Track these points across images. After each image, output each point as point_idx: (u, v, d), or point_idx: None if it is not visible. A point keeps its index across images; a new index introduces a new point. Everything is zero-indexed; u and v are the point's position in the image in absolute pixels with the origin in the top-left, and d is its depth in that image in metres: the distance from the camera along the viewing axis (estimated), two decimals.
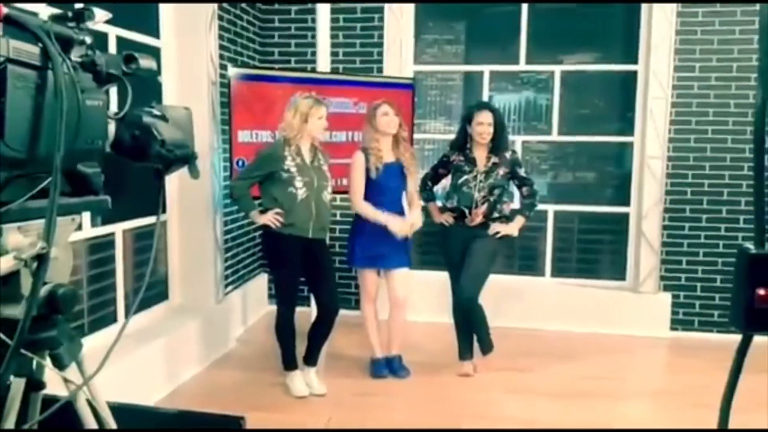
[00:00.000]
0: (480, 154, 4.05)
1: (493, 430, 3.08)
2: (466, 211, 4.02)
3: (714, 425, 1.55)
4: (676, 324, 5.09)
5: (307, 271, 3.84)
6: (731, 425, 1.54)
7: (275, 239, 3.75)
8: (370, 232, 3.98)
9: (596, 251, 5.52)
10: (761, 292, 1.12)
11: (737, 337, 1.41)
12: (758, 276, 1.12)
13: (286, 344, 3.86)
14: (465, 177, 4.03)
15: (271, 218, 3.68)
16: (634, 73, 5.11)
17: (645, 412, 3.76)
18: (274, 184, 3.69)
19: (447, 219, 4.13)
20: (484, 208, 4.01)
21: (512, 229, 4.11)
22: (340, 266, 4.95)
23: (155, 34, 4.10)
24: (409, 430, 3.10)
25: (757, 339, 1.40)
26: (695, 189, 4.99)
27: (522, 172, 4.16)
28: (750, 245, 1.12)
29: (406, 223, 3.95)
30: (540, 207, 5.29)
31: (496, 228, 4.05)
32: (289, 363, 3.87)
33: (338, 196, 4.82)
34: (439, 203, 4.27)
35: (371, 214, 3.94)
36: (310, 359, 3.91)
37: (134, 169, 1.39)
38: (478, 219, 4.01)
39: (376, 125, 3.96)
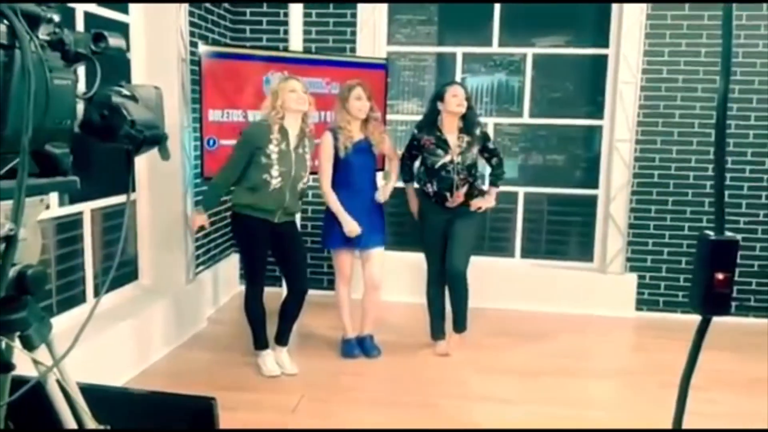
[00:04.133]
0: (451, 135, 4.05)
1: (488, 431, 3.11)
2: (447, 194, 4.04)
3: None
4: (642, 304, 5.21)
5: (277, 251, 3.84)
6: (690, 401, 1.59)
7: (242, 220, 3.73)
8: (348, 213, 3.99)
9: (565, 233, 5.59)
10: (720, 276, 1.16)
11: (700, 318, 1.45)
12: (717, 261, 1.16)
13: (255, 324, 3.87)
14: (442, 161, 4.03)
15: (199, 224, 3.98)
16: (605, 57, 5.16)
17: (611, 391, 3.86)
18: (251, 165, 3.61)
19: (416, 211, 4.25)
20: (464, 189, 4.03)
21: (490, 201, 4.22)
22: (311, 246, 4.96)
23: (124, 9, 4.02)
24: (406, 430, 3.12)
25: (718, 318, 1.45)
26: (662, 172, 5.08)
27: (490, 144, 4.22)
28: (710, 232, 1.17)
29: (356, 226, 3.94)
30: (510, 189, 5.37)
31: (477, 204, 4.11)
32: (260, 343, 3.88)
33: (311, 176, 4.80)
34: (416, 185, 4.27)
35: (334, 207, 3.96)
36: (281, 339, 3.92)
37: (101, 148, 1.38)
38: (459, 200, 4.03)
39: (348, 108, 3.94)
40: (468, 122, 4.06)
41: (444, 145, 4.04)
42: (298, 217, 3.99)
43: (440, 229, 4.11)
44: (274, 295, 4.61)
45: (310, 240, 4.94)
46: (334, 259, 4.19)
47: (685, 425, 1.53)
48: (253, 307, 3.83)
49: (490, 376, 3.93)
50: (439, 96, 4.08)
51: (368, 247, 4.08)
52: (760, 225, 4.98)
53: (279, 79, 3.73)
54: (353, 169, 3.97)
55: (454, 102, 3.99)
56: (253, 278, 3.85)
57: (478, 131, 4.12)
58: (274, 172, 3.61)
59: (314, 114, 3.90)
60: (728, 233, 1.17)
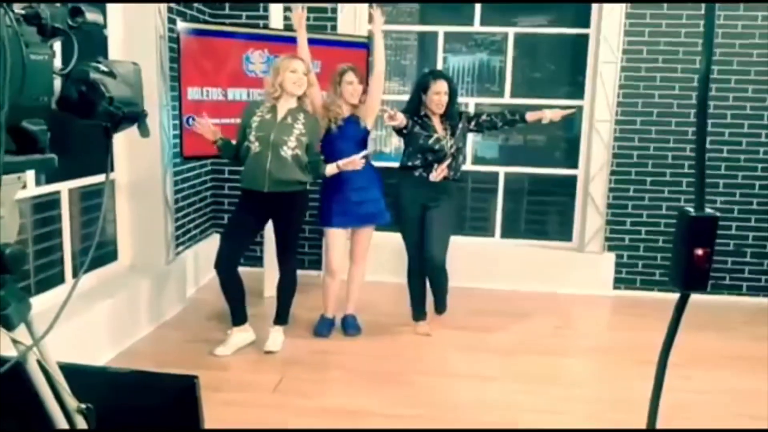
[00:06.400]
0: (436, 121, 4.06)
1: (491, 430, 3.15)
2: (435, 165, 4.01)
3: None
4: (620, 283, 5.28)
5: (274, 225, 3.87)
6: (667, 378, 1.62)
7: (241, 192, 3.84)
8: (348, 189, 3.97)
9: (545, 212, 5.64)
10: (699, 252, 1.18)
11: (677, 296, 1.48)
12: (697, 237, 1.18)
13: (227, 299, 3.85)
14: (436, 135, 4.00)
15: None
16: (586, 37, 5.17)
17: (590, 368, 3.91)
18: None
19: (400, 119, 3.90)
20: (449, 161, 4.01)
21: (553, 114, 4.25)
22: None
23: None
24: (407, 430, 3.13)
25: (694, 296, 1.47)
26: (641, 152, 5.12)
27: (472, 114, 4.25)
28: (690, 208, 1.18)
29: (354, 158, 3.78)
30: (491, 169, 5.40)
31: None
32: (233, 319, 3.88)
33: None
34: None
35: (328, 170, 3.85)
36: (276, 318, 3.94)
37: (79, 125, 1.36)
38: (443, 173, 4.01)
39: (340, 92, 3.94)
40: (450, 115, 4.06)
41: (432, 128, 4.03)
42: (301, 189, 3.78)
43: (417, 215, 4.07)
44: (257, 274, 4.65)
45: None
46: (328, 238, 4.11)
47: (662, 401, 1.56)
48: (226, 281, 3.78)
49: (471, 354, 3.97)
50: (422, 87, 4.05)
51: (361, 226, 4.10)
52: (737, 204, 5.05)
53: (283, 57, 3.72)
54: (342, 142, 3.94)
55: (435, 100, 3.99)
56: (225, 235, 3.90)
57: (458, 116, 4.12)
58: (252, 138, 3.67)
59: (319, 94, 3.96)
60: (708, 210, 1.19)
